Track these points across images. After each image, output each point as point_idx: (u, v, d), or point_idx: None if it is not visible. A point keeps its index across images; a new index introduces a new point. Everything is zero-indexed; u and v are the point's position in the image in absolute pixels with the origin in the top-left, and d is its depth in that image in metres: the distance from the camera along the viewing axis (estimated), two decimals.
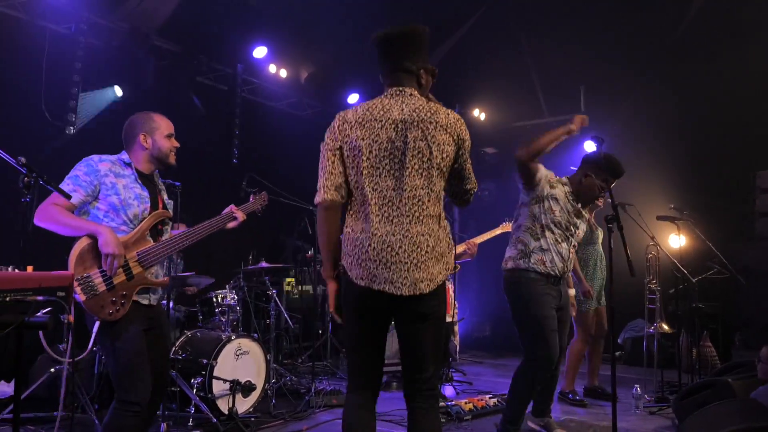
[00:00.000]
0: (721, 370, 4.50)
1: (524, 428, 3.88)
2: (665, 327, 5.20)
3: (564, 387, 4.85)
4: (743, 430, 2.67)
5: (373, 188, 2.21)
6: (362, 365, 2.31)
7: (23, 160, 1.99)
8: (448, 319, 4.90)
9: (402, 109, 2.24)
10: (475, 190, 2.37)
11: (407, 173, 2.19)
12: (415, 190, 2.19)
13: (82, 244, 2.45)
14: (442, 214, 2.27)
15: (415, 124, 2.21)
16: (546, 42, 8.00)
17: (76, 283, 2.36)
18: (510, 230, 3.82)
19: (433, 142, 2.20)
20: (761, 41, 6.73)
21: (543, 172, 3.56)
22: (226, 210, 3.05)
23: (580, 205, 3.65)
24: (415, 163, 2.20)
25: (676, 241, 5.50)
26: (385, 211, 2.20)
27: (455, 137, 2.24)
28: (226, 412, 4.03)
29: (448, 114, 2.27)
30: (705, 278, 5.27)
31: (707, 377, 4.71)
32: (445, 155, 2.22)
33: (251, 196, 3.28)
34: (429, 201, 2.21)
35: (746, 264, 6.50)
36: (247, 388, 4.22)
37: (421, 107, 2.25)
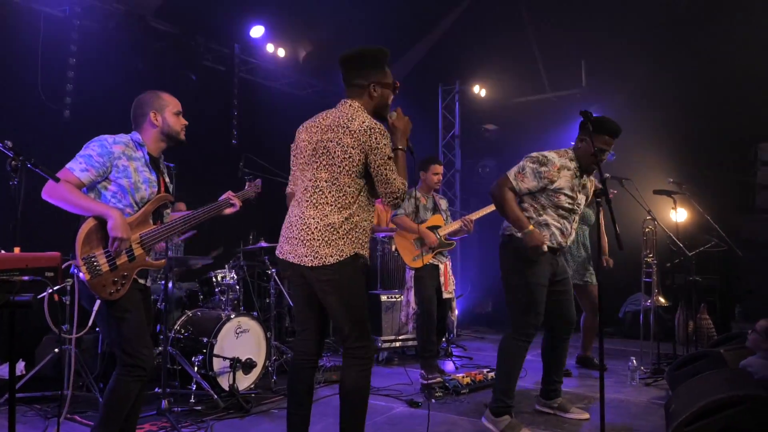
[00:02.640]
0: (716, 341, 4.54)
1: (532, 410, 3.94)
2: (662, 300, 5.24)
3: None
4: (728, 398, 2.71)
5: (301, 181, 2.71)
6: (297, 320, 2.88)
7: (9, 144, 2.03)
8: (446, 295, 4.94)
9: (333, 116, 2.67)
10: (398, 193, 2.63)
11: (317, 167, 2.63)
12: (319, 181, 2.61)
13: (90, 224, 2.48)
14: (352, 210, 2.60)
15: (333, 128, 2.62)
16: (548, 16, 7.92)
17: (81, 263, 2.41)
18: None
19: (339, 144, 2.58)
20: (763, 13, 6.63)
21: (529, 183, 3.43)
22: (224, 196, 3.09)
23: (584, 178, 3.56)
24: (323, 160, 2.62)
25: (675, 215, 5.50)
26: (298, 198, 2.70)
27: (362, 143, 2.56)
28: (227, 389, 4.12)
29: (363, 123, 2.59)
30: (703, 251, 5.27)
31: (703, 349, 4.74)
32: (347, 156, 2.57)
33: (246, 184, 3.29)
34: (330, 193, 2.59)
35: (747, 237, 6.50)
36: (247, 366, 4.30)
37: (343, 115, 2.64)
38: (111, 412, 2.56)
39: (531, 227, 3.35)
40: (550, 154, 3.45)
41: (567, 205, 3.48)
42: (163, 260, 2.83)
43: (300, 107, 7.68)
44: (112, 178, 2.60)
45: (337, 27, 7.29)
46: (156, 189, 2.74)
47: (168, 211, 2.87)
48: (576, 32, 7.64)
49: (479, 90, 9.03)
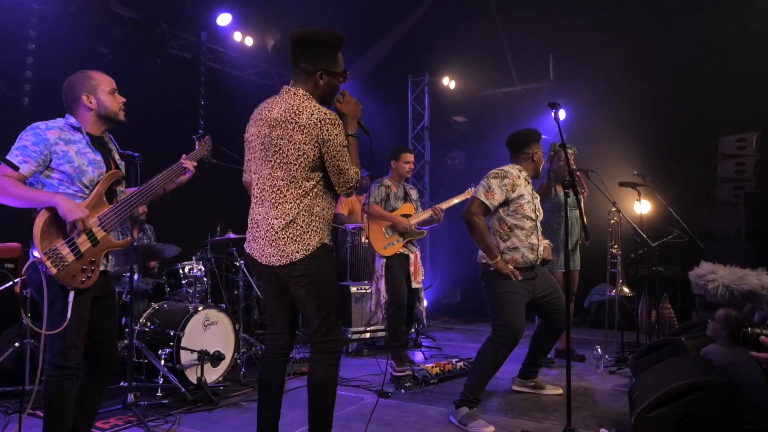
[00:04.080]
0: (677, 330, 4.66)
1: (501, 397, 4.00)
2: (626, 290, 5.35)
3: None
4: (688, 384, 2.79)
5: (257, 175, 2.65)
6: (268, 313, 2.83)
7: None
8: (415, 285, 4.97)
9: (279, 108, 2.57)
10: (351, 182, 2.59)
11: (271, 165, 2.57)
12: (276, 180, 2.56)
13: (44, 217, 2.40)
14: (310, 201, 2.55)
15: (281, 123, 2.53)
16: (516, 9, 7.98)
17: (45, 258, 2.35)
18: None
19: (291, 141, 2.51)
20: (724, 12, 6.80)
21: (499, 197, 3.62)
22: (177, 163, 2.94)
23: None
24: (276, 158, 2.55)
25: (639, 207, 5.62)
26: (258, 195, 2.65)
27: (314, 137, 2.49)
28: (195, 382, 4.07)
29: (312, 115, 2.50)
30: (665, 242, 5.40)
31: (665, 337, 4.87)
32: (301, 153, 2.50)
33: (196, 143, 3.14)
34: (287, 191, 2.54)
35: (707, 228, 6.68)
36: (215, 358, 4.25)
37: (290, 108, 2.53)
38: (51, 416, 2.49)
39: (499, 258, 3.56)
40: (506, 168, 3.73)
41: (530, 213, 3.69)
42: (127, 238, 2.76)
43: (268, 97, 7.60)
44: (54, 166, 2.50)
45: (307, 16, 7.21)
46: (104, 169, 2.63)
47: (121, 188, 2.76)
48: (544, 26, 7.73)
49: (449, 82, 9.06)
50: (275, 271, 2.60)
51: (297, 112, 2.51)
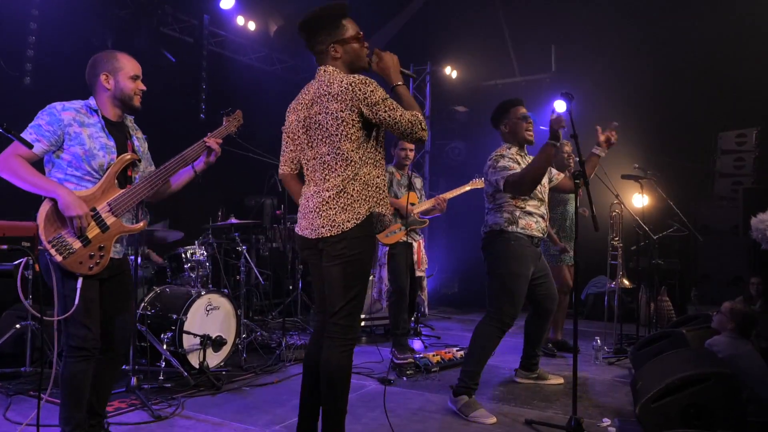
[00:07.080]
0: (676, 322, 4.70)
1: (503, 386, 4.03)
2: (626, 282, 5.38)
3: None
4: (693, 375, 2.82)
5: (305, 161, 2.64)
6: (316, 298, 2.79)
7: None
8: (418, 274, 4.98)
9: (313, 88, 2.59)
10: (410, 127, 2.45)
11: (316, 144, 2.55)
12: (323, 156, 2.53)
13: (47, 206, 2.39)
14: (359, 173, 2.50)
15: (316, 99, 2.54)
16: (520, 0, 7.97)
17: (49, 246, 2.34)
18: (479, 186, 3.85)
19: (328, 113, 2.49)
20: (726, 6, 6.81)
21: (517, 166, 3.56)
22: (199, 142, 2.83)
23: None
24: (318, 134, 2.53)
25: (640, 199, 5.65)
26: (309, 176, 2.63)
27: (348, 101, 2.45)
28: (197, 366, 4.07)
29: (342, 82, 2.48)
30: (665, 235, 5.44)
31: (663, 329, 4.91)
32: (340, 121, 2.46)
33: (224, 119, 3.05)
34: (336, 164, 2.50)
35: (705, 222, 6.74)
36: (217, 343, 4.25)
37: (322, 83, 2.54)
38: (66, 394, 2.53)
39: (551, 142, 3.38)
40: (498, 152, 3.68)
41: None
42: (141, 223, 2.72)
43: (270, 83, 7.57)
44: (65, 147, 2.49)
45: (309, 1, 7.15)
46: (115, 155, 2.60)
47: (137, 174, 2.72)
48: (547, 18, 7.71)
49: (450, 71, 9.02)
50: (310, 245, 2.55)
51: (329, 84, 2.51)
